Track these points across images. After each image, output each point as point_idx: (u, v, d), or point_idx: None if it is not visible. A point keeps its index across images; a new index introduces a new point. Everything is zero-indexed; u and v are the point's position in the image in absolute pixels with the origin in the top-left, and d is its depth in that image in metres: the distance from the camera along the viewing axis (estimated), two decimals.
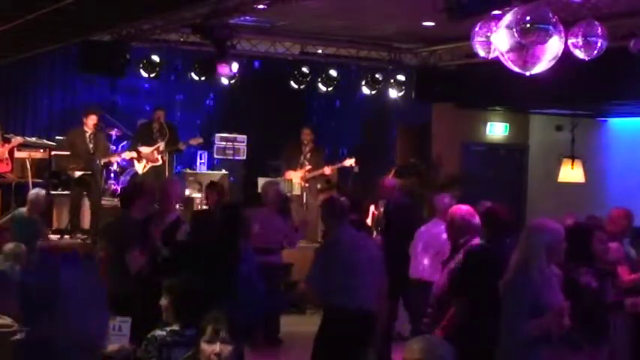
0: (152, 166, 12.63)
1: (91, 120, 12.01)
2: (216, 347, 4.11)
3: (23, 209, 10.15)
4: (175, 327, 4.89)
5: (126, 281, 7.07)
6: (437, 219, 8.13)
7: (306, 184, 13.12)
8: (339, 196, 8.83)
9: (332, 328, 6.65)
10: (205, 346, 4.13)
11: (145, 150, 12.60)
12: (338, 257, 6.70)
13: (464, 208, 6.58)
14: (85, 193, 12.06)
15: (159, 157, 12.61)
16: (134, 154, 12.62)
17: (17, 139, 12.34)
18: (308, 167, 13.13)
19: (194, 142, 13.27)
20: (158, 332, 4.88)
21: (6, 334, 4.39)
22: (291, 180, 13.06)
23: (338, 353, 6.51)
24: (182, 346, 4.66)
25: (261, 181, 13.18)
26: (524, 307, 5.00)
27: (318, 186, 13.39)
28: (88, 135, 12.02)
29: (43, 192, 10.46)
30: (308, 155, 13.26)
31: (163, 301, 5.06)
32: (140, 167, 12.65)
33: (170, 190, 7.65)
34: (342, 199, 7.65)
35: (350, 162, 13.11)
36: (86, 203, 12.20)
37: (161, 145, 12.59)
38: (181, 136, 13.35)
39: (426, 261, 7.99)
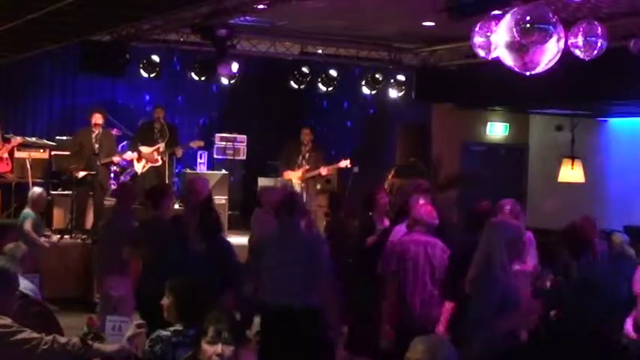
0: (152, 166, 12.64)
1: (95, 119, 12.05)
2: (218, 348, 4.10)
3: (28, 210, 10.17)
4: (178, 327, 4.88)
5: (163, 283, 7.09)
6: None
7: (304, 184, 13.12)
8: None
9: (266, 327, 6.56)
10: (207, 347, 4.11)
11: (145, 150, 12.61)
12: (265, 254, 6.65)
13: (428, 208, 6.92)
14: (90, 193, 12.10)
15: (159, 157, 12.61)
16: (136, 155, 12.63)
17: (17, 139, 12.35)
18: (306, 167, 13.14)
19: (195, 144, 13.29)
20: (163, 332, 4.88)
21: (6, 335, 4.38)
22: (290, 180, 13.06)
23: (275, 351, 6.37)
24: (186, 346, 4.65)
25: (261, 181, 13.21)
26: (490, 305, 5.01)
27: (318, 186, 13.39)
28: (94, 135, 12.06)
29: (42, 190, 10.52)
30: (307, 155, 13.24)
31: (165, 301, 5.06)
32: (139, 167, 12.66)
33: (201, 188, 7.92)
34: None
35: (345, 163, 13.11)
36: (90, 203, 12.23)
37: (161, 145, 12.59)
38: (181, 137, 13.35)
39: None
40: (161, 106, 12.99)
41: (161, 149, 12.58)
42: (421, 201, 7.78)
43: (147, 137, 12.69)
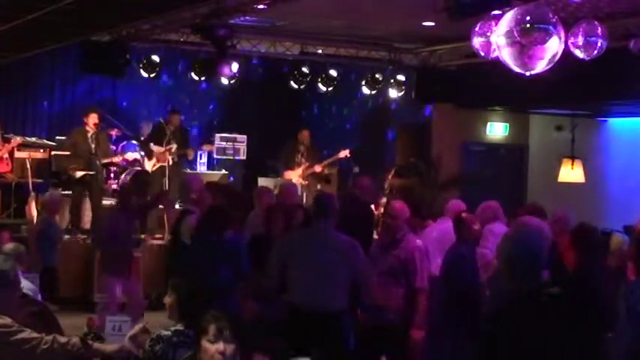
0: (161, 166, 12.63)
1: (92, 119, 12.03)
2: (220, 346, 4.09)
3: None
4: (179, 327, 4.88)
5: None
6: (447, 218, 8.28)
7: (305, 183, 13.15)
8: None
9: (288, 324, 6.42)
10: (208, 346, 4.09)
11: (157, 149, 12.62)
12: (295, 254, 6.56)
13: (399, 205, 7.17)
14: (86, 193, 12.08)
15: (169, 157, 12.62)
16: (136, 155, 12.65)
17: (17, 139, 12.36)
18: (306, 164, 13.19)
19: (207, 148, 13.44)
20: (163, 332, 4.87)
21: (6, 334, 4.38)
22: (291, 180, 13.06)
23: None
24: (186, 346, 4.65)
25: (261, 181, 13.22)
26: None
27: (318, 186, 13.41)
28: (90, 135, 12.04)
29: (50, 193, 10.52)
30: (305, 153, 13.30)
31: (168, 299, 5.06)
32: (150, 165, 12.70)
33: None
34: None
35: (344, 153, 13.21)
36: (87, 203, 12.22)
37: (173, 146, 12.61)
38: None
39: (439, 259, 8.03)
40: (178, 112, 13.00)
41: (173, 150, 12.60)
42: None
43: (159, 137, 12.71)
